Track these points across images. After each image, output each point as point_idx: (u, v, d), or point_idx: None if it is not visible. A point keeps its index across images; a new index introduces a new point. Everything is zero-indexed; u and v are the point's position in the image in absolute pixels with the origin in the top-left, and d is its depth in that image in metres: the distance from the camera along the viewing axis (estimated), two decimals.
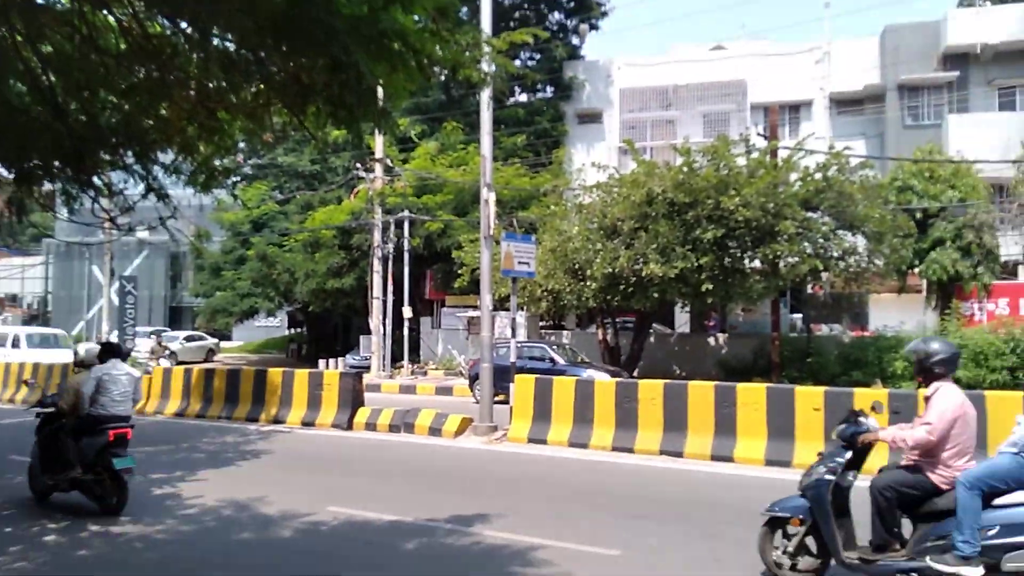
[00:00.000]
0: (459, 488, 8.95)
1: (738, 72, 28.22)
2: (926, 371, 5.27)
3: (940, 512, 5.01)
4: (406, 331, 25.05)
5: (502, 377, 13.99)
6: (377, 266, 24.37)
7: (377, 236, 24.40)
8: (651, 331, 22.01)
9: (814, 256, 17.01)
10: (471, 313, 23.14)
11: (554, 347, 18.64)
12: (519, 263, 13.35)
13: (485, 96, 13.09)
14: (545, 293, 19.24)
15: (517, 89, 31.51)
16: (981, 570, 4.73)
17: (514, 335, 13.88)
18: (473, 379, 17.43)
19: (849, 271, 17.79)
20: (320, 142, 7.81)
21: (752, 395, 10.18)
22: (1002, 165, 19.14)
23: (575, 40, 33.05)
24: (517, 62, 30.94)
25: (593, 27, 33.20)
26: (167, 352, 24.16)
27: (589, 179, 20.67)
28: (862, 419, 5.45)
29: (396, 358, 25.11)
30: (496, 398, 14.29)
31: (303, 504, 7.80)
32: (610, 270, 17.02)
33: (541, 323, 25.05)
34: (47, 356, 21.49)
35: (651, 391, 10.92)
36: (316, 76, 5.49)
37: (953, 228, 19.50)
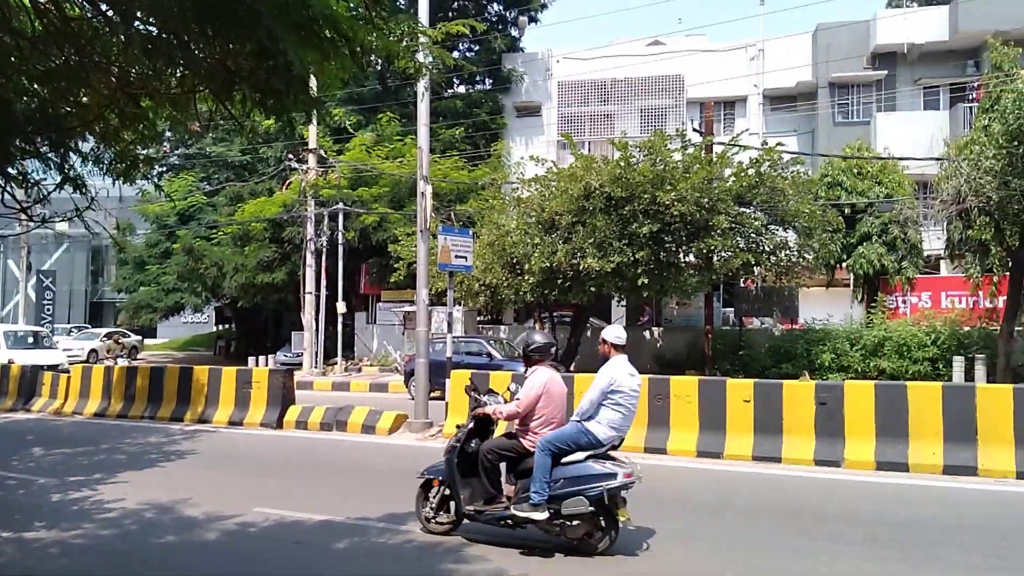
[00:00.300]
0: (392, 486, 8.78)
1: (675, 68, 28.56)
2: (527, 357, 6.48)
3: (530, 470, 6.05)
4: (340, 327, 24.66)
5: (438, 373, 13.85)
6: (310, 260, 23.91)
7: (310, 229, 23.93)
8: (588, 325, 22.12)
9: (747, 251, 17.31)
10: (407, 308, 22.91)
11: (491, 342, 18.60)
12: (456, 257, 13.22)
13: (422, 87, 12.90)
14: (483, 287, 19.15)
15: (455, 81, 31.30)
16: (547, 514, 5.88)
17: (450, 330, 13.76)
18: (409, 375, 17.24)
19: (780, 265, 18.17)
20: (248, 131, 7.56)
21: (685, 387, 10.29)
22: (926, 162, 19.79)
23: (514, 32, 32.98)
24: (455, 53, 30.58)
25: (532, 19, 33.19)
26: (124, 351, 22.85)
27: (527, 172, 20.66)
28: (484, 397, 6.51)
29: (329, 355, 24.70)
30: (432, 394, 14.18)
31: (229, 505, 7.56)
32: (548, 264, 17.01)
33: (479, 318, 24.97)
34: (31, 357, 20.17)
35: (586, 384, 10.89)
36: (243, 62, 5.28)
37: (879, 223, 20.12)
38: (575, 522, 5.92)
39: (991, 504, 7.83)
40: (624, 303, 23.21)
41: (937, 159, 17.87)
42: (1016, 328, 16.46)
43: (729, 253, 17.13)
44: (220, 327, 39.33)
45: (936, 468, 8.89)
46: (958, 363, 16.17)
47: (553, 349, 6.57)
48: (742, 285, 22.54)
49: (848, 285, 22.26)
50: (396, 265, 21.87)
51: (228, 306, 33.04)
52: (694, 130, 20.08)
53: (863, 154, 21.24)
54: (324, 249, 24.19)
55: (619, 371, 6.11)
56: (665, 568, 5.85)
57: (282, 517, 7.20)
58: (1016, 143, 13.97)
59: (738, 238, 17.37)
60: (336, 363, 24.24)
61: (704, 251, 16.96)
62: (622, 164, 17.11)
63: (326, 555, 6.18)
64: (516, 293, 18.43)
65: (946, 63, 26.69)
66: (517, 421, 6.32)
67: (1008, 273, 16.11)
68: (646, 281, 16.70)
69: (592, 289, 17.32)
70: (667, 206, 16.19)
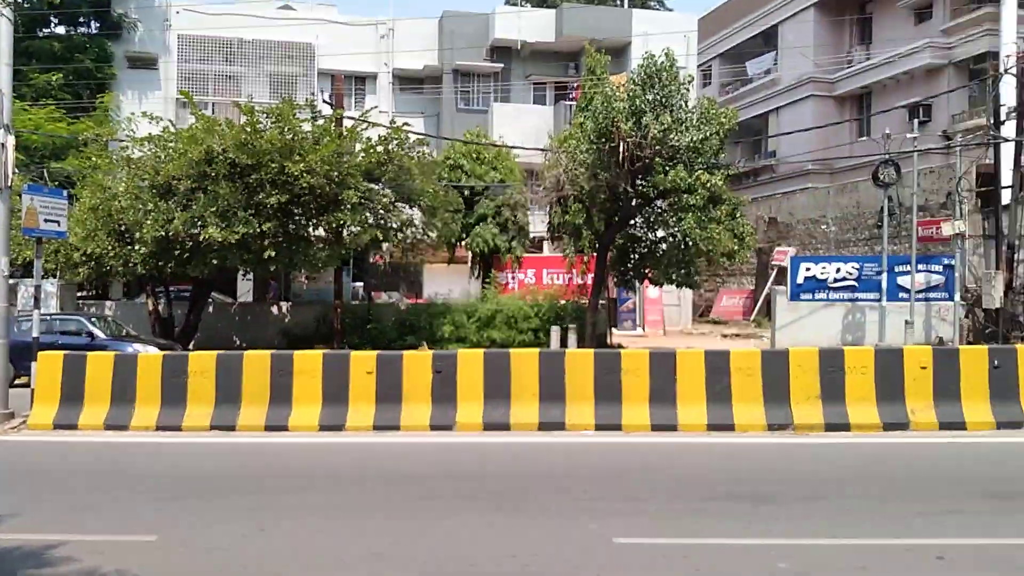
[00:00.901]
0: None
1: (306, 36, 27.93)
2: None
3: None
4: None
5: (24, 356, 11.98)
6: None
7: None
8: (210, 301, 20.86)
9: (375, 226, 17.62)
10: None
11: (93, 320, 16.58)
12: (46, 221, 11.53)
13: (3, 20, 10.91)
14: (84, 258, 16.97)
15: (53, 20, 27.13)
16: None
17: (38, 306, 11.94)
18: None
19: (406, 242, 18.80)
20: None
21: (309, 362, 10.18)
22: (534, 152, 21.91)
23: None
24: None
25: None
26: None
27: (140, 130, 18.70)
28: None
29: None
30: (17, 380, 12.28)
31: None
32: (163, 233, 15.60)
33: (80, 293, 22.13)
34: None
35: (202, 363, 10.26)
36: None
37: (494, 206, 21.92)
38: None
39: (575, 454, 8.96)
40: (250, 276, 22.31)
41: (542, 150, 19.90)
42: (600, 301, 19.09)
43: (358, 228, 17.27)
44: None
45: (533, 425, 9.88)
46: (555, 332, 18.28)
47: None
48: (371, 260, 23.02)
49: (467, 262, 23.92)
50: None
51: None
52: (324, 102, 19.87)
53: (481, 140, 22.90)
54: None
55: None
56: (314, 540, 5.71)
57: None
58: (603, 140, 16.04)
59: (367, 214, 17.60)
60: None
61: (334, 225, 16.91)
62: (248, 129, 16.27)
63: None
64: (125, 264, 16.64)
65: (552, 62, 29.78)
66: None
67: (596, 254, 18.56)
68: (273, 254, 16.16)
69: (214, 261, 16.30)
70: (296, 177, 15.82)
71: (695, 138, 15.59)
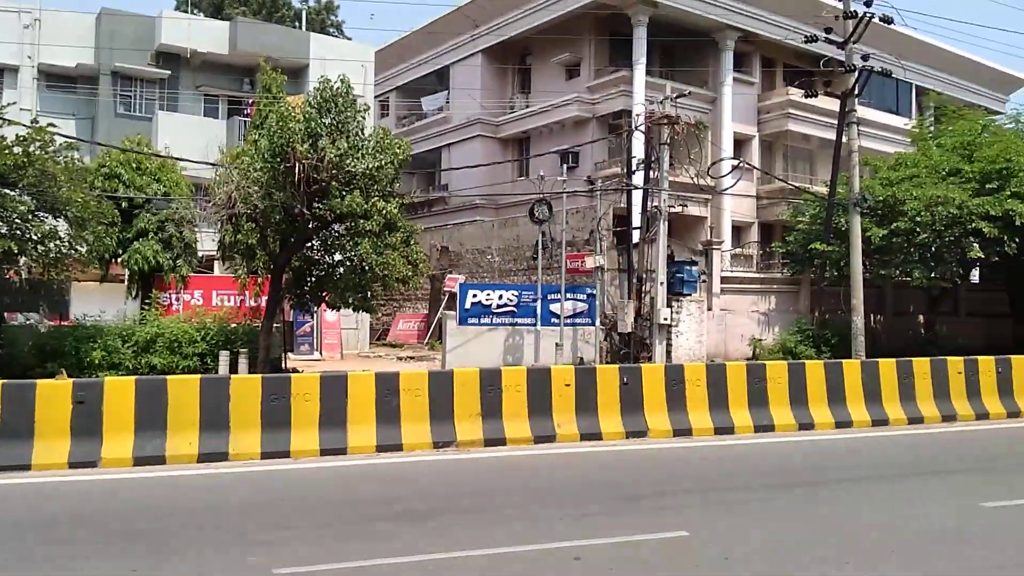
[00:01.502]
0: None
1: None
2: None
3: None
4: None
5: None
6: None
7: None
8: None
9: (9, 237, 15.53)
10: None
11: None
12: None
13: None
14: None
15: None
16: None
17: None
18: None
19: (49, 256, 16.78)
20: None
21: None
22: (203, 166, 20.67)
23: None
24: None
25: None
26: None
27: None
28: None
29: None
30: None
31: None
32: None
33: None
34: None
35: None
36: None
37: (156, 221, 20.28)
38: None
39: (237, 485, 8.62)
40: None
41: (213, 164, 18.92)
42: (275, 324, 18.55)
43: None
44: None
45: (192, 457, 9.30)
46: (224, 357, 17.36)
47: None
48: (5, 276, 20.06)
49: (123, 281, 21.85)
50: None
51: None
52: None
53: (143, 149, 21.14)
54: None
55: None
56: None
57: None
58: (279, 160, 15.70)
59: (0, 224, 15.43)
60: None
61: None
62: None
63: None
64: None
65: (226, 75, 28.55)
66: None
67: (270, 275, 18.02)
68: None
69: None
70: None
71: (371, 165, 15.90)
